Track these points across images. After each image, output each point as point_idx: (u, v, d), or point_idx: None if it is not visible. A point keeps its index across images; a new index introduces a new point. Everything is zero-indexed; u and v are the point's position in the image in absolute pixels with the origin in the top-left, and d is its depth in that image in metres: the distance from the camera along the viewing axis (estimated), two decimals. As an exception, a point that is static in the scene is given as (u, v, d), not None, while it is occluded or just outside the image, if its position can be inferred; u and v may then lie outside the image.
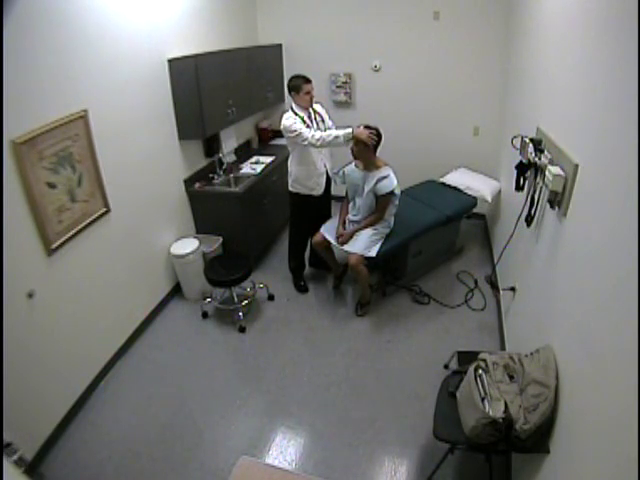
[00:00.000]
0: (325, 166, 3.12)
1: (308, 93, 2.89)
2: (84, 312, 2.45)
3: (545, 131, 2.13)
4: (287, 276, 3.54)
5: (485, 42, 3.78)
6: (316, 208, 3.26)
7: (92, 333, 2.53)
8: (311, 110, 2.99)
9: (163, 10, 2.87)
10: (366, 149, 2.76)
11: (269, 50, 4.13)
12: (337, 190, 3.41)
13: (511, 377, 1.66)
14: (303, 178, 3.08)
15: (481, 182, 3.77)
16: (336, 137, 2.73)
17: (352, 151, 2.82)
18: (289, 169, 3.15)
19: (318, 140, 2.76)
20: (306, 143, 2.80)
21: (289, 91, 2.94)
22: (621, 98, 1.28)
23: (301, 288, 3.46)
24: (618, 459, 1.06)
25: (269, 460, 2.16)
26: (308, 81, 2.89)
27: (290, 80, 2.94)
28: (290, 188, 3.18)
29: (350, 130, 2.73)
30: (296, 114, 2.89)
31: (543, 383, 1.51)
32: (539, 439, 1.50)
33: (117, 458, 2.19)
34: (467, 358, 2.11)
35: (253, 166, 3.80)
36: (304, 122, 2.88)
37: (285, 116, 2.88)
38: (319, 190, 3.15)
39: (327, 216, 3.34)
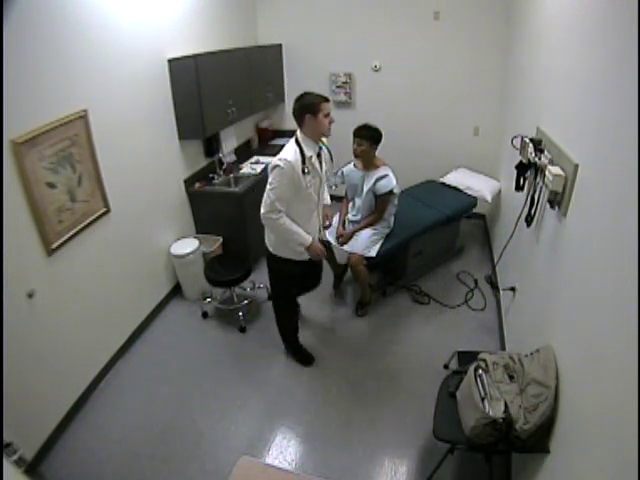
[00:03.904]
0: (319, 223, 2.41)
1: (328, 115, 2.08)
2: (84, 312, 2.45)
3: (545, 131, 2.13)
4: (287, 276, 3.53)
5: (485, 42, 3.78)
6: (307, 274, 2.60)
7: (92, 333, 2.53)
8: (322, 144, 2.23)
9: (163, 10, 2.88)
10: (371, 149, 2.75)
11: (269, 50, 4.13)
12: (337, 190, 3.40)
13: (511, 377, 1.67)
14: (286, 240, 2.24)
15: (481, 182, 3.78)
16: (298, 238, 2.19)
17: (354, 150, 2.81)
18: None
19: (279, 225, 2.12)
20: (263, 211, 2.11)
21: (301, 114, 2.07)
22: (621, 98, 1.28)
23: (307, 358, 2.74)
24: (618, 459, 1.05)
25: (269, 460, 2.16)
26: (326, 99, 2.10)
27: (301, 98, 2.09)
28: (271, 250, 2.35)
29: (309, 241, 2.22)
30: (302, 152, 2.08)
31: (543, 383, 1.51)
32: (539, 439, 1.50)
33: (117, 458, 2.19)
34: (467, 358, 2.12)
35: (253, 166, 3.81)
36: (304, 164, 2.08)
37: (282, 154, 2.06)
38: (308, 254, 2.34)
39: (316, 282, 2.86)
